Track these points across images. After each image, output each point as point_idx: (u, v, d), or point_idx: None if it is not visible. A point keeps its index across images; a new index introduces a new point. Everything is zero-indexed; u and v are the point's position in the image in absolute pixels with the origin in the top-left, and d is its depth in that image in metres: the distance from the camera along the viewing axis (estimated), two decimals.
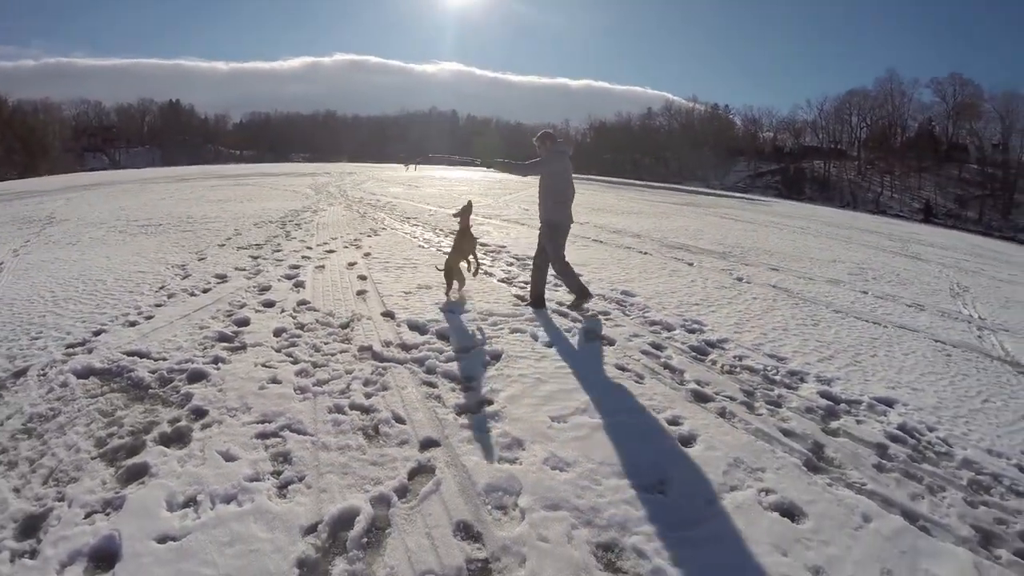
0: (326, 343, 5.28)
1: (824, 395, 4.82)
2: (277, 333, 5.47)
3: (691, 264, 10.53)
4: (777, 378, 5.12)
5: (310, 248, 9.73)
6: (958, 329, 7.74)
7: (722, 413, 4.33)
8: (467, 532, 2.85)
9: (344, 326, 5.75)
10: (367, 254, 9.39)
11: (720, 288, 8.55)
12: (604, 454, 3.59)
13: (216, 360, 4.76)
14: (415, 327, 5.77)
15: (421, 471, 3.34)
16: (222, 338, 5.27)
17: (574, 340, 5.69)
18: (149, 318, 5.79)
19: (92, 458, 3.35)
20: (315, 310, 6.22)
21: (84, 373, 4.46)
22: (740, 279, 9.47)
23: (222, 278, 7.45)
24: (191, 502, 2.98)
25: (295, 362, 4.81)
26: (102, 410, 3.90)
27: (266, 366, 4.70)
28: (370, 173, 34.64)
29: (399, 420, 3.89)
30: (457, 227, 7.15)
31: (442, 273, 7.13)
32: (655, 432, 3.95)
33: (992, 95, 69.56)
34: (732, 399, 4.59)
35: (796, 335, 6.46)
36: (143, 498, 2.98)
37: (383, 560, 2.63)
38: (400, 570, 2.57)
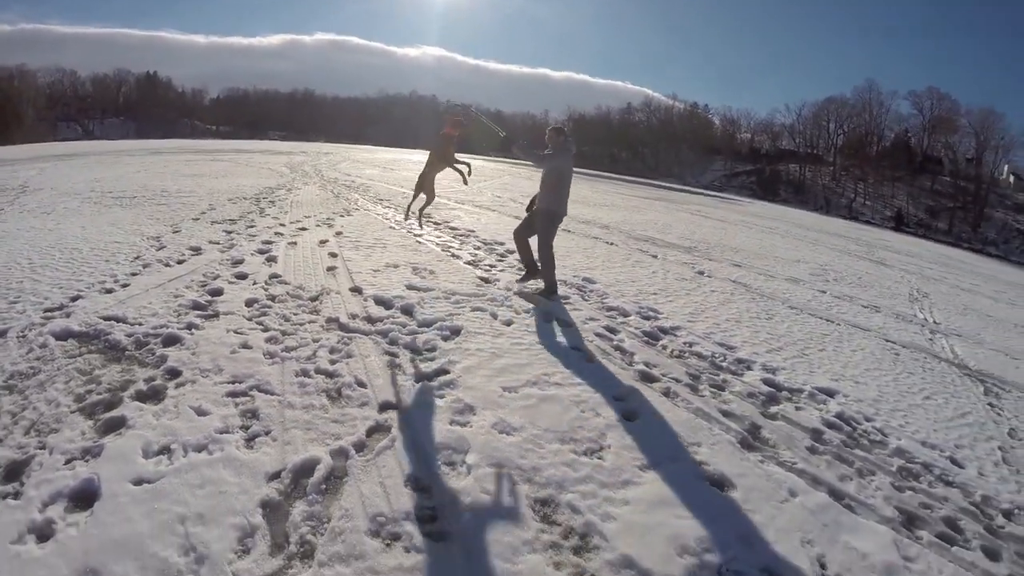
0: (295, 314, 5.48)
1: (767, 382, 5.09)
2: (249, 303, 5.64)
3: (655, 256, 10.74)
4: (724, 364, 5.39)
5: (283, 225, 9.79)
6: (910, 331, 8.02)
7: (666, 393, 4.61)
8: (417, 483, 3.12)
9: (313, 299, 5.94)
10: (339, 233, 9.49)
11: (680, 280, 8.82)
12: (549, 422, 3.88)
13: (190, 326, 4.94)
14: (381, 302, 5.99)
15: (379, 429, 3.61)
16: (196, 306, 5.43)
17: (532, 320, 5.94)
18: (125, 286, 5.90)
19: (71, 412, 3.54)
20: (286, 283, 6.38)
21: (63, 335, 4.59)
22: (702, 273, 9.72)
23: (196, 250, 7.55)
24: (165, 450, 3.20)
25: (265, 330, 5.02)
26: (80, 369, 4.08)
27: (238, 332, 4.90)
28: (346, 154, 34.36)
29: (361, 384, 4.15)
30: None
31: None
32: (600, 406, 4.21)
33: (968, 110, 70.11)
34: (677, 381, 4.88)
35: (748, 327, 6.73)
36: (120, 447, 3.19)
37: (339, 503, 2.90)
38: (355, 512, 2.84)
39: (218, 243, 8.11)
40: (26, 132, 60.51)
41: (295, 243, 8.51)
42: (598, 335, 5.75)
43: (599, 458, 3.55)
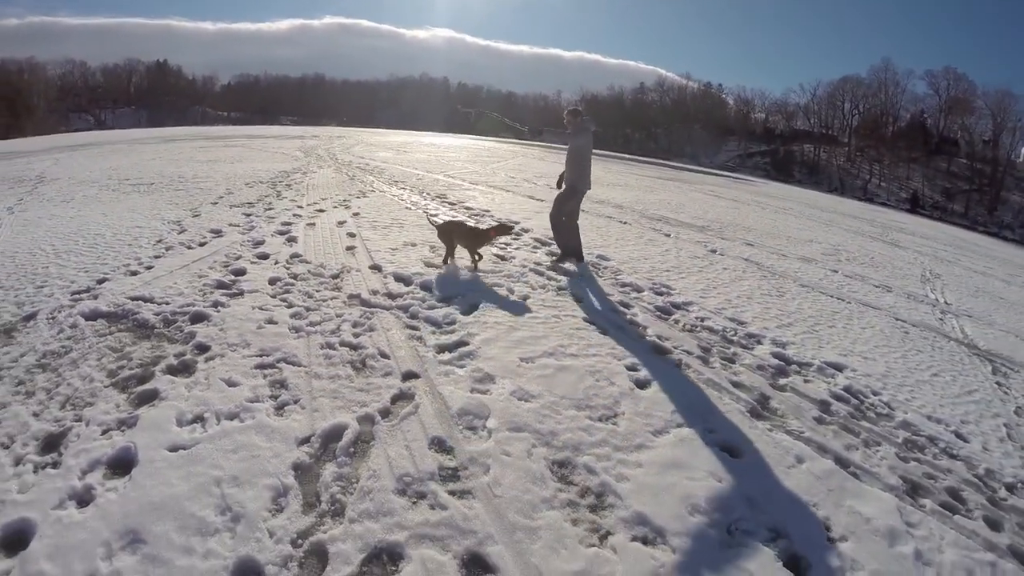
0: (318, 291, 5.63)
1: (777, 356, 5.19)
2: (272, 282, 5.80)
3: (668, 235, 10.79)
4: (735, 339, 5.50)
5: (301, 207, 9.91)
6: (921, 311, 8.03)
7: (678, 364, 4.74)
8: (440, 446, 3.28)
9: (334, 276, 6.10)
10: (356, 214, 9.62)
11: (693, 258, 8.88)
12: (565, 390, 4.02)
13: (216, 304, 5.10)
14: (400, 279, 6.14)
15: (402, 397, 3.77)
16: (220, 285, 5.59)
17: (547, 295, 6.07)
18: (149, 268, 6.05)
19: (105, 387, 3.70)
20: (307, 262, 6.54)
21: (92, 316, 4.74)
22: (714, 251, 9.77)
23: (217, 233, 7.69)
24: (198, 419, 3.36)
25: (289, 306, 5.17)
26: (111, 347, 4.23)
27: (263, 309, 5.06)
28: (359, 137, 34.37)
29: (384, 355, 4.31)
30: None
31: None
32: (614, 375, 4.35)
33: (985, 92, 69.10)
34: (689, 353, 4.99)
35: (759, 303, 6.81)
36: (155, 417, 3.35)
37: (367, 465, 3.05)
38: (382, 473, 2.99)
39: (238, 226, 8.25)
40: (38, 124, 60.81)
41: (314, 224, 8.64)
42: (612, 310, 5.87)
43: (613, 424, 3.68)
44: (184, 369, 3.97)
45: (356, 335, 4.66)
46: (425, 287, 5.93)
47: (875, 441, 3.96)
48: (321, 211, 9.73)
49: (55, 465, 2.94)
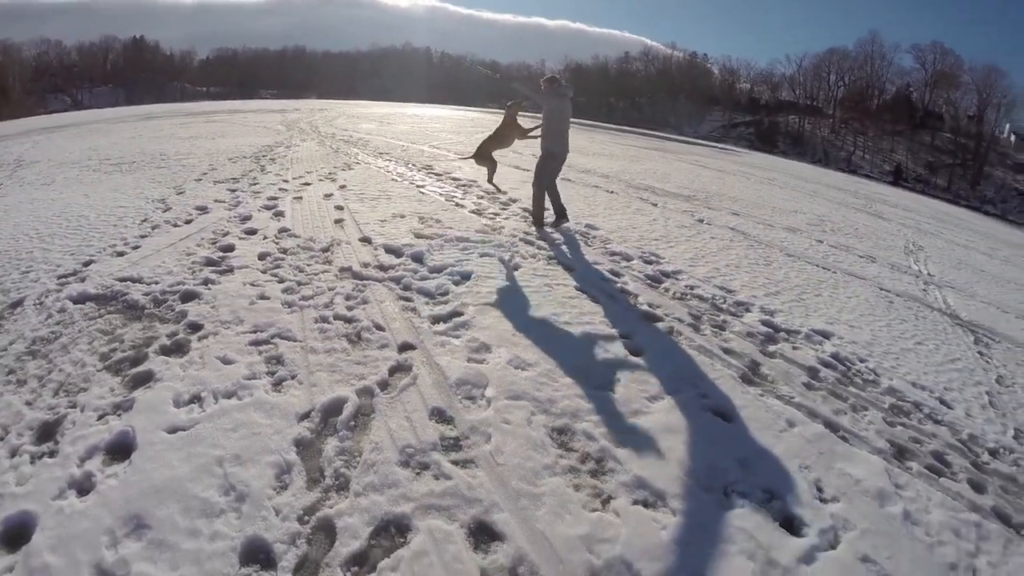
0: (308, 265, 5.60)
1: (766, 323, 5.25)
2: (262, 257, 5.75)
3: (655, 205, 10.81)
4: (724, 306, 5.55)
5: (286, 181, 9.82)
6: (904, 281, 8.11)
7: (670, 331, 4.79)
8: (441, 416, 3.30)
9: (324, 250, 6.06)
10: (342, 187, 9.55)
11: (681, 227, 8.91)
12: (561, 358, 4.04)
13: (206, 281, 5.04)
14: (391, 251, 6.12)
15: (400, 369, 3.77)
16: (209, 263, 5.53)
17: (538, 264, 6.09)
18: (136, 248, 5.96)
19: (98, 371, 3.64)
20: (296, 236, 6.49)
21: (80, 299, 4.66)
22: (701, 220, 9.79)
23: (203, 210, 7.61)
24: (196, 399, 3.34)
25: (281, 281, 5.14)
26: (102, 330, 4.17)
27: (254, 285, 5.02)
28: (341, 110, 34.00)
29: (379, 328, 4.31)
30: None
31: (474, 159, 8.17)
32: (608, 342, 4.39)
33: (971, 67, 69.11)
34: (680, 320, 5.03)
35: (747, 272, 6.86)
36: (151, 399, 3.31)
37: (369, 438, 3.06)
38: (384, 445, 3.00)
39: (224, 202, 8.16)
40: (13, 106, 59.51)
41: (300, 198, 8.57)
42: (602, 278, 5.90)
43: (610, 390, 3.72)
44: (177, 349, 3.93)
45: (350, 308, 4.64)
46: (416, 258, 5.92)
47: (863, 406, 4.04)
48: (307, 184, 9.63)
49: (52, 454, 2.90)
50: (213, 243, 6.17)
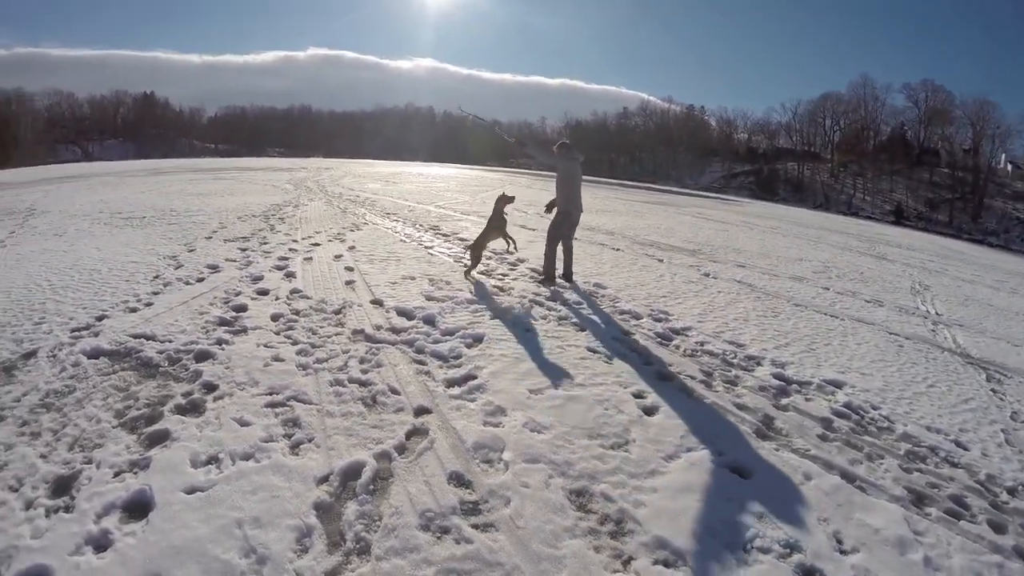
0: (321, 327, 5.62)
1: (777, 376, 5.26)
2: (275, 318, 5.79)
3: (661, 260, 10.89)
4: (735, 361, 5.56)
5: (296, 241, 9.92)
6: (913, 323, 8.14)
7: (683, 389, 4.79)
8: (459, 480, 3.29)
9: (337, 312, 6.08)
10: (352, 247, 9.63)
11: (687, 282, 8.96)
12: (576, 420, 4.06)
13: (220, 341, 5.09)
14: (403, 313, 6.15)
15: (416, 432, 3.78)
16: (222, 322, 5.58)
17: (549, 325, 6.11)
18: (149, 304, 6.02)
19: (113, 427, 3.66)
20: (308, 298, 6.53)
21: (94, 354, 4.69)
22: (707, 274, 9.85)
23: (214, 268, 7.68)
24: (213, 460, 3.34)
25: (294, 343, 5.16)
26: (116, 386, 4.19)
27: (268, 346, 5.05)
28: (347, 169, 34.55)
29: (394, 391, 4.32)
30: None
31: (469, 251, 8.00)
32: (622, 403, 4.39)
33: (963, 101, 70.44)
34: (692, 378, 5.04)
35: (756, 325, 6.88)
36: (168, 458, 3.33)
37: (389, 502, 3.06)
38: (404, 509, 3.00)
39: (235, 260, 8.24)
40: (24, 155, 60.49)
41: (311, 258, 8.65)
42: (613, 338, 5.91)
43: (626, 451, 3.73)
44: (193, 408, 3.95)
45: (364, 371, 4.66)
46: (428, 320, 5.94)
47: (878, 454, 4.04)
48: (316, 244, 9.75)
49: (68, 509, 2.90)
50: (226, 302, 6.21)
